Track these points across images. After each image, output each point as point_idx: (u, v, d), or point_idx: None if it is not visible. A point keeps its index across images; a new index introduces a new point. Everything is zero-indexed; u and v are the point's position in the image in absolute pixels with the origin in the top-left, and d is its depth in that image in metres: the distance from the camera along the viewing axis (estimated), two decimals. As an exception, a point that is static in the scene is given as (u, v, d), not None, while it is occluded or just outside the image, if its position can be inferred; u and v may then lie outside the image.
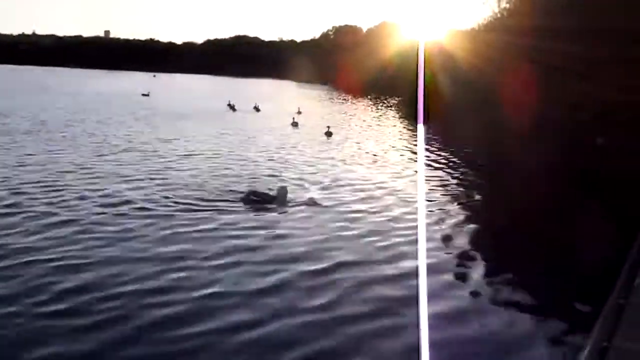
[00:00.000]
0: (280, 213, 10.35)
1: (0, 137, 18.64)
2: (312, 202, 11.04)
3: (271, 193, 11.25)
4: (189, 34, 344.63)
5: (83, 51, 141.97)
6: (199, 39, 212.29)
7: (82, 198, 10.72)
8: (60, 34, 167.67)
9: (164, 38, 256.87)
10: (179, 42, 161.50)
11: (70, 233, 8.55)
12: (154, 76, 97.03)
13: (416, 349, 5.05)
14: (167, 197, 11.06)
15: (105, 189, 11.60)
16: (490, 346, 5.62)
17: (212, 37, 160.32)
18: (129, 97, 43.14)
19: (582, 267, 7.97)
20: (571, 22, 16.25)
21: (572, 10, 17.14)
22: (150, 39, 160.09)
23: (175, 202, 10.71)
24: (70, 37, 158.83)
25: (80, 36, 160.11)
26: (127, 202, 10.56)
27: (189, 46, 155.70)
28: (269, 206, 10.65)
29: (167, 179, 13.04)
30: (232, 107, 36.86)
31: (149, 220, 9.42)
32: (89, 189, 11.54)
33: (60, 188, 11.48)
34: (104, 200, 10.66)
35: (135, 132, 22.03)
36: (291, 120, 28.47)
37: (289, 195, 11.13)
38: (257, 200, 10.89)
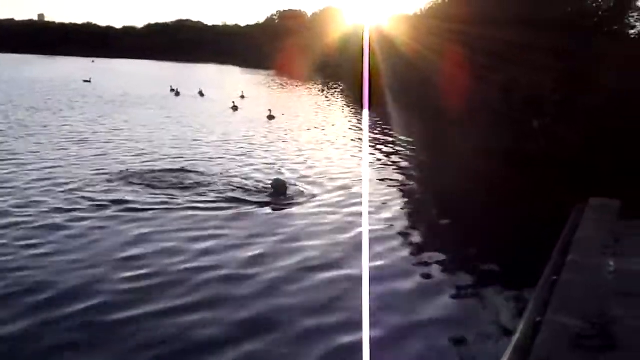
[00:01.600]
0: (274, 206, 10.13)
1: None
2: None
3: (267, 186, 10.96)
4: (129, 17, 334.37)
5: (16, 35, 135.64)
6: (140, 23, 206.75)
7: (22, 192, 10.25)
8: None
9: (102, 22, 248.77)
10: (118, 26, 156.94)
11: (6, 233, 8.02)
12: (93, 62, 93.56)
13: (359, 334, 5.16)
14: (115, 190, 10.54)
15: (51, 182, 10.97)
16: (430, 326, 5.80)
17: (153, 22, 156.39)
18: (70, 84, 41.30)
19: (519, 247, 8.32)
20: (505, 11, 16.79)
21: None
22: (88, 22, 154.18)
23: (130, 196, 10.14)
24: (1, 20, 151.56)
25: (13, 20, 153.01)
26: (78, 198, 9.87)
27: (129, 30, 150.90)
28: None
29: (115, 171, 12.24)
30: (175, 92, 36.34)
31: (99, 217, 8.84)
32: (33, 182, 10.96)
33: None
34: (48, 195, 10.04)
35: (82, 121, 21.09)
36: (231, 105, 28.39)
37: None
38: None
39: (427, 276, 7.21)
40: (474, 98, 17.07)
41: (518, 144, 15.13)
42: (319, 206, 10.20)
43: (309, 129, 22.00)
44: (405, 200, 11.42)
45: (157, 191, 10.59)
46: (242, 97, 34.39)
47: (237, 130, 20.37)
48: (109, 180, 11.29)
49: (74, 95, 32.42)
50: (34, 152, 14.22)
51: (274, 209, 9.88)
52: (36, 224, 8.41)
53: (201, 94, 36.35)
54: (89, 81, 43.32)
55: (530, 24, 15.54)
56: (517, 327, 4.86)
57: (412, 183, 13.22)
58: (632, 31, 17.18)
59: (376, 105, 24.53)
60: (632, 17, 17.15)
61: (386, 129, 21.91)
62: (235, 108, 27.94)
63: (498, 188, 12.44)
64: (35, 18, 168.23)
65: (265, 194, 10.64)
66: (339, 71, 51.43)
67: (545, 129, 15.29)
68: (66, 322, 5.53)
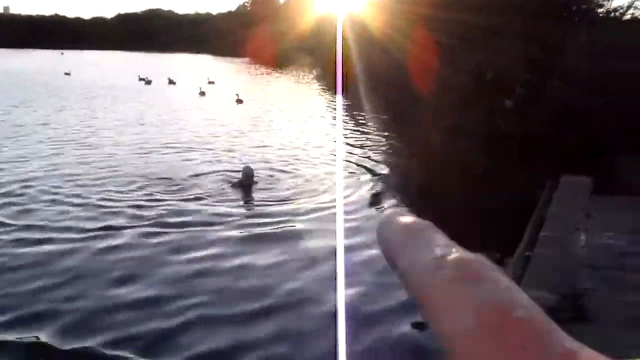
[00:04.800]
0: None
1: None
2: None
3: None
4: (97, 8, 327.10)
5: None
6: (109, 14, 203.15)
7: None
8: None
9: (70, 13, 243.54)
10: (87, 17, 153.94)
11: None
12: (62, 54, 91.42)
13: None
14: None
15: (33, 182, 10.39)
16: (398, 310, 5.79)
17: (123, 12, 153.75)
18: (52, 76, 39.69)
19: (493, 223, 8.38)
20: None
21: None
22: (55, 14, 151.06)
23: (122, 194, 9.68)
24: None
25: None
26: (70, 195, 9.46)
27: (98, 21, 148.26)
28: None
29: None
30: (146, 81, 35.93)
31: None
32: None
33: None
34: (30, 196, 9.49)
35: (78, 114, 20.31)
36: (199, 90, 28.75)
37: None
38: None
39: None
40: (446, 81, 17.15)
41: (490, 123, 15.24)
42: (290, 192, 10.13)
43: (277, 113, 22.14)
44: (378, 182, 11.35)
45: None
46: (211, 82, 35.03)
47: (204, 115, 20.70)
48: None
49: (61, 89, 31.06)
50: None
51: (241, 200, 9.69)
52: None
53: (171, 82, 36.10)
54: (69, 74, 42.52)
55: (500, 7, 15.65)
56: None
57: (385, 164, 13.18)
58: (600, 10, 17.30)
59: (349, 91, 24.51)
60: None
61: (359, 113, 21.89)
62: (202, 94, 28.39)
63: (471, 166, 12.50)
64: (1, 11, 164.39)
65: (230, 184, 10.37)
66: (311, 57, 51.24)
67: (517, 108, 15.43)
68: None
